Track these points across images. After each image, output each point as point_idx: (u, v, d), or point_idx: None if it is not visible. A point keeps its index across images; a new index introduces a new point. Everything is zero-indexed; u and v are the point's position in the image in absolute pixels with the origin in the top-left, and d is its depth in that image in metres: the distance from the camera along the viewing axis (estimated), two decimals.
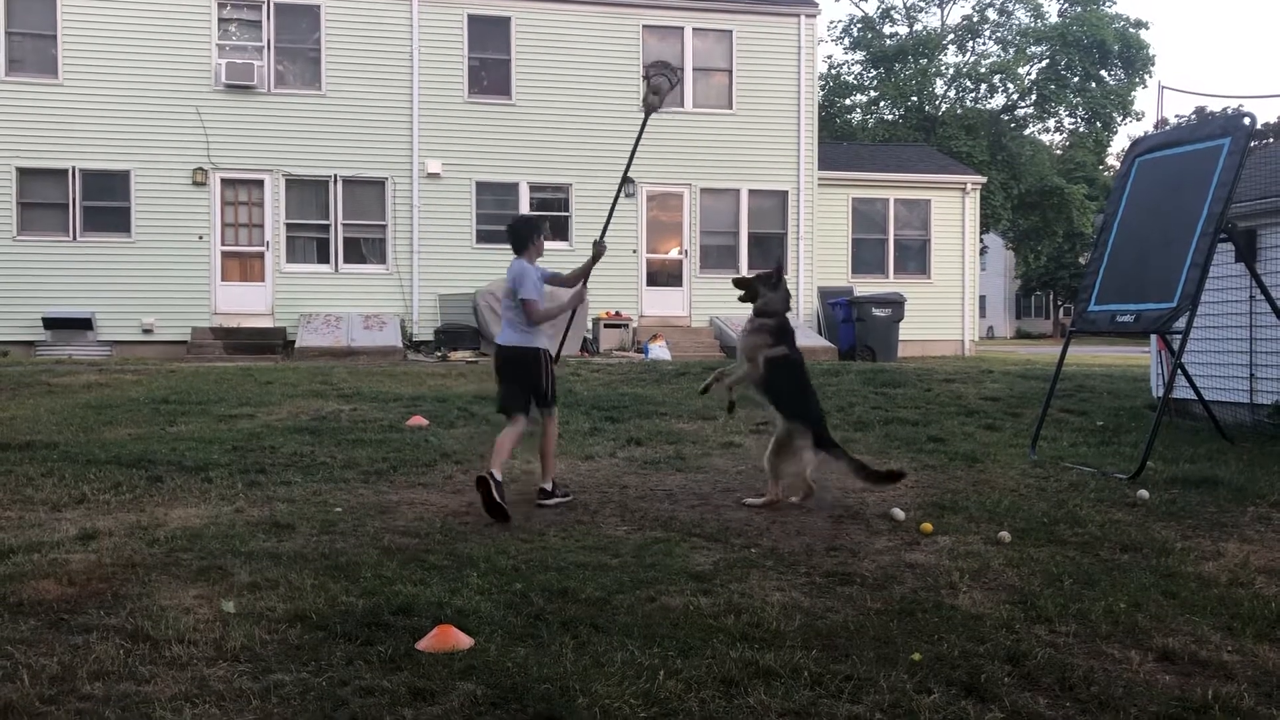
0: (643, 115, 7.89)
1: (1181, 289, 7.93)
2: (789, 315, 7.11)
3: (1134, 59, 42.61)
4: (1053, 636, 4.21)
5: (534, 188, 21.08)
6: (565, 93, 21.00)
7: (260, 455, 8.06)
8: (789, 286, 7.24)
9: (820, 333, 21.45)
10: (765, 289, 6.96)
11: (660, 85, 7.88)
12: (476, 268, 20.26)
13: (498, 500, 6.09)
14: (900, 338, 20.76)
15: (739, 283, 7.17)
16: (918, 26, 46.73)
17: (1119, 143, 48.64)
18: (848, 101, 46.31)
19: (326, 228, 20.32)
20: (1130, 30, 42.66)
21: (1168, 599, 4.70)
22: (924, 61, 43.79)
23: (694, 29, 21.87)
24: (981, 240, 31.35)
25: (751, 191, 22.06)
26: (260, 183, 19.96)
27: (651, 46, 21.67)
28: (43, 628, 4.09)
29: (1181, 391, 9.88)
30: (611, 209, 8.18)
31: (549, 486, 6.71)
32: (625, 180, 8.36)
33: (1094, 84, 43.10)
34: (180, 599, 4.48)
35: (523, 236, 6.89)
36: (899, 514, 6.30)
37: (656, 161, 21.44)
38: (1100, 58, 42.41)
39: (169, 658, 3.79)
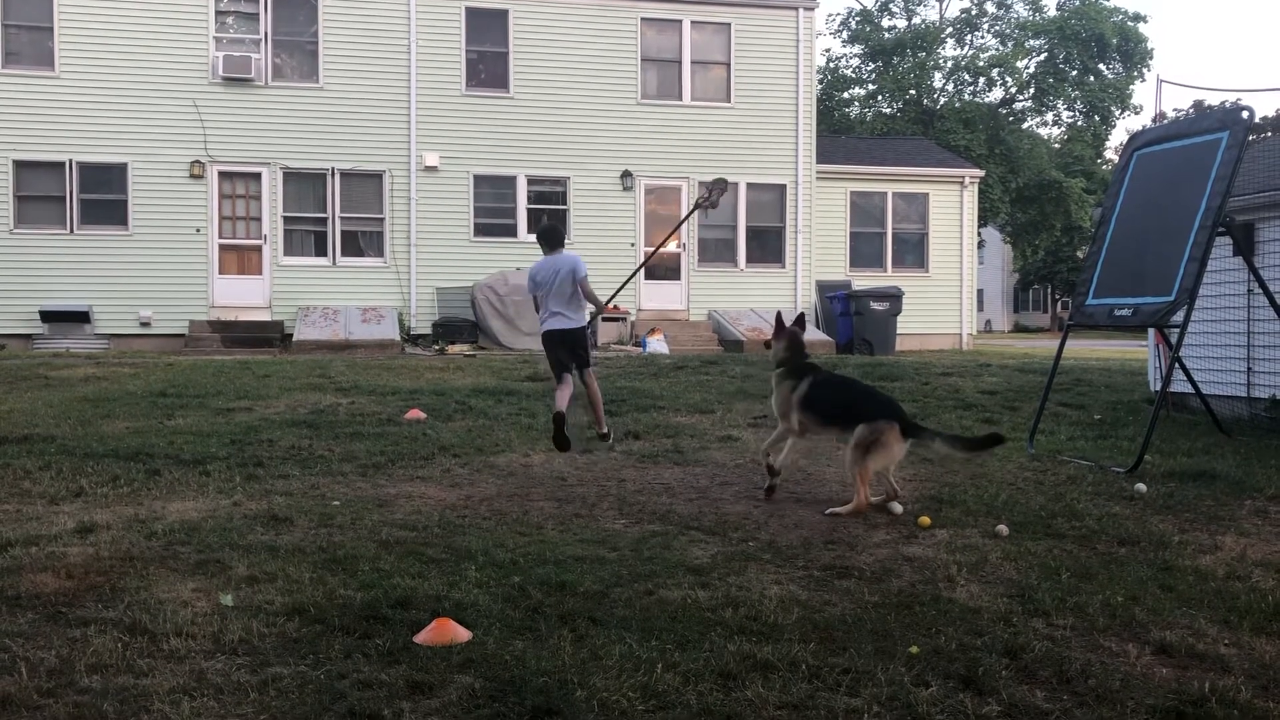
0: (692, 208, 10.36)
1: (1179, 283, 7.93)
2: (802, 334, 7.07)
3: (1132, 52, 42.56)
4: (1050, 630, 4.21)
5: (532, 181, 21.05)
6: (563, 86, 20.96)
7: (258, 448, 8.06)
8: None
9: (818, 326, 21.45)
10: (773, 342, 6.99)
11: (716, 200, 10.22)
12: (474, 261, 20.25)
13: (564, 434, 7.66)
14: (898, 331, 20.77)
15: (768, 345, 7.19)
16: (916, 20, 46.69)
17: (1117, 136, 48.65)
18: (846, 95, 46.26)
19: (324, 221, 20.29)
20: (1129, 24, 42.60)
21: (1165, 592, 4.71)
22: (922, 55, 43.74)
23: (692, 22, 21.84)
24: (979, 234, 31.33)
25: (750, 185, 22.04)
26: (258, 176, 19.93)
27: (650, 39, 21.65)
28: (41, 621, 4.09)
29: (1179, 385, 9.88)
30: (622, 285, 11.03)
31: (605, 430, 8.26)
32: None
33: (1092, 77, 43.06)
34: (178, 592, 4.48)
35: (561, 235, 8.37)
36: (896, 508, 6.30)
37: (654, 155, 21.44)
38: (1098, 51, 42.36)
39: (167, 651, 3.79)
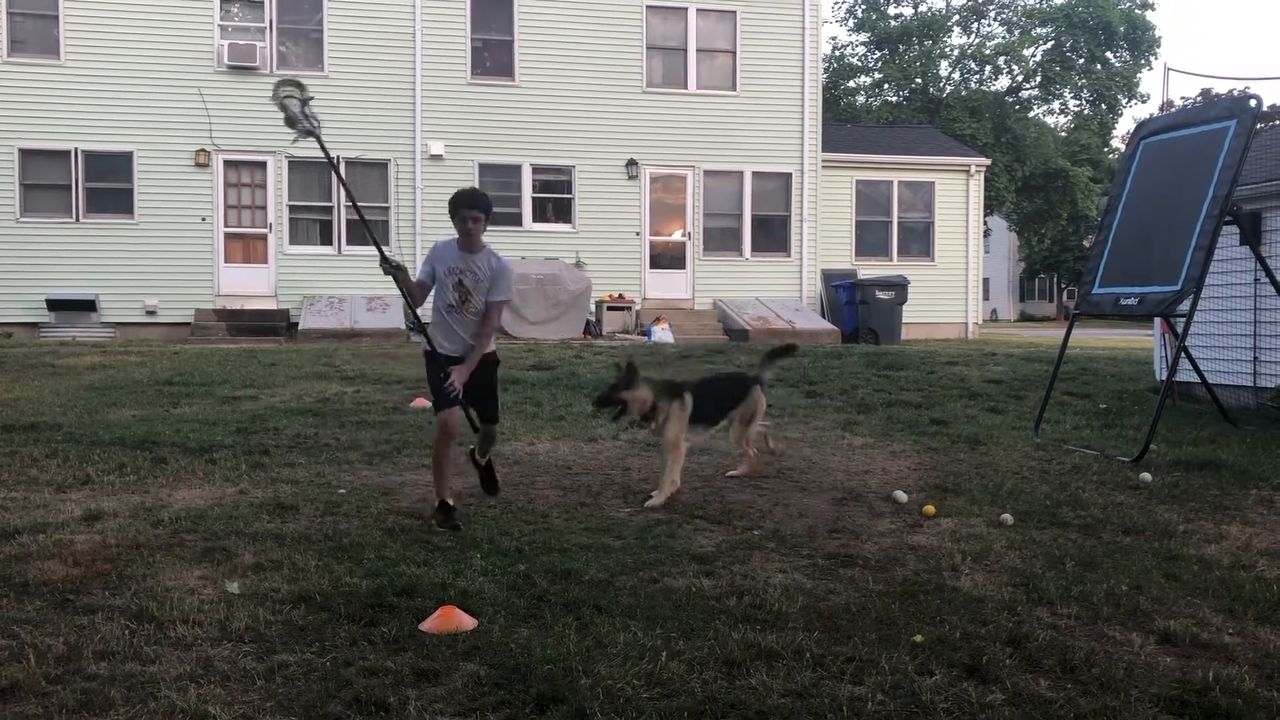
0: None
1: (1186, 272, 7.91)
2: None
3: (1140, 40, 42.34)
4: (1054, 618, 4.22)
5: (537, 169, 21.03)
6: (569, 74, 20.91)
7: (264, 437, 8.08)
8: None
9: (823, 315, 21.43)
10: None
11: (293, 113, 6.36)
12: None
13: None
14: (904, 320, 20.72)
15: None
16: (922, 8, 46.42)
17: (1124, 125, 48.61)
18: (852, 83, 46.06)
19: (329, 209, 20.30)
20: (1136, 11, 42.37)
21: (1169, 581, 4.71)
22: (928, 43, 43.56)
23: (698, 9, 21.76)
24: (985, 223, 31.25)
25: (755, 174, 21.98)
26: (263, 164, 19.93)
27: (655, 27, 21.58)
28: (48, 608, 4.11)
29: (1185, 374, 9.87)
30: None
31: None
32: None
33: (1099, 66, 42.84)
34: (185, 580, 4.50)
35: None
36: (901, 496, 6.31)
37: (659, 143, 21.39)
38: (1106, 39, 42.14)
39: (174, 638, 3.81)
